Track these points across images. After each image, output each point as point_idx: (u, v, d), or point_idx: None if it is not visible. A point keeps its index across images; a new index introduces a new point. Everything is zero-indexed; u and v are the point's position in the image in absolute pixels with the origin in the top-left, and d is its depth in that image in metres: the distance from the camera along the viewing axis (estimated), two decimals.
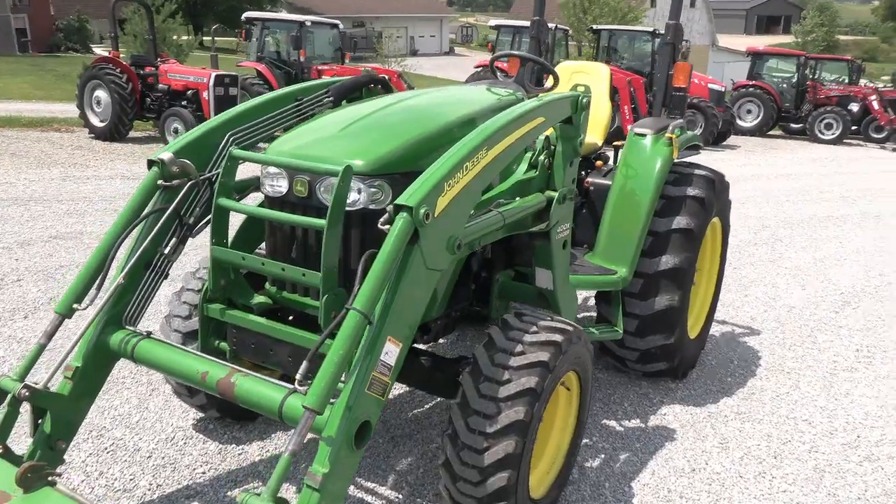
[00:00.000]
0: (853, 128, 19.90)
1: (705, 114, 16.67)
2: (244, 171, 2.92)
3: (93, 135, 12.60)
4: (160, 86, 12.58)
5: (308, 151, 2.71)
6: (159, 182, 2.83)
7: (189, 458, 3.33)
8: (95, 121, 12.56)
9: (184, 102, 12.23)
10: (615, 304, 3.98)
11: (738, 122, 19.77)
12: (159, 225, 2.81)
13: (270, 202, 2.82)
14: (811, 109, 20.25)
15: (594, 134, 4.46)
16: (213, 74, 12.16)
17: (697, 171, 4.25)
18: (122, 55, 12.90)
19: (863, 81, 22.68)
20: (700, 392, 4.41)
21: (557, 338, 2.71)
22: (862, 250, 8.38)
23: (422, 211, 2.27)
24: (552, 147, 3.35)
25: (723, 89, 18.27)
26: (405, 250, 2.31)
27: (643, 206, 3.91)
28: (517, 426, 2.52)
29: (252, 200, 3.02)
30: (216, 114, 11.83)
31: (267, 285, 2.92)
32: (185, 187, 2.86)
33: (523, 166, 3.33)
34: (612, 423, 3.96)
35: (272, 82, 14.00)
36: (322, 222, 2.49)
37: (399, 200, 2.29)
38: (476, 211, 2.84)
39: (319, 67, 13.95)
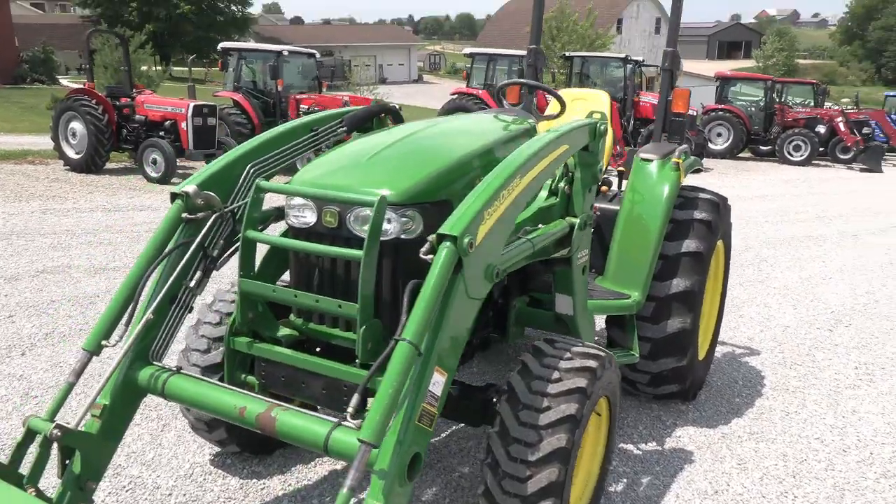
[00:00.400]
0: (820, 149, 20.42)
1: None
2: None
3: (68, 167, 12.40)
4: (137, 117, 12.47)
5: (337, 182, 2.69)
6: (184, 215, 2.78)
7: (211, 494, 3.24)
8: (71, 153, 12.36)
9: (161, 133, 12.13)
10: (630, 328, 3.99)
11: (710, 145, 20.16)
12: (184, 259, 2.77)
13: (296, 233, 2.78)
14: (780, 132, 20.74)
15: None
16: (192, 105, 12.09)
17: (702, 195, 4.31)
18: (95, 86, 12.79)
19: (826, 104, 23.32)
20: (711, 413, 4.42)
21: (592, 363, 2.71)
22: (844, 269, 8.55)
23: (466, 240, 2.26)
24: (570, 174, 3.37)
25: (694, 113, 18.64)
26: (449, 280, 2.29)
27: (654, 231, 3.95)
28: (559, 454, 2.50)
29: (272, 231, 2.99)
30: (195, 144, 12.12)
31: (292, 317, 2.88)
32: (211, 220, 2.82)
33: (543, 193, 3.35)
34: (630, 447, 3.95)
35: (249, 112, 13.95)
36: (359, 253, 2.47)
37: (442, 230, 2.28)
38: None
39: (297, 97, 13.93)
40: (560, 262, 3.34)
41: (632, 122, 18.26)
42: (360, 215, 2.59)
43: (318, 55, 15.05)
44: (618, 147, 15.41)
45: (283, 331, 2.85)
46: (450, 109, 17.16)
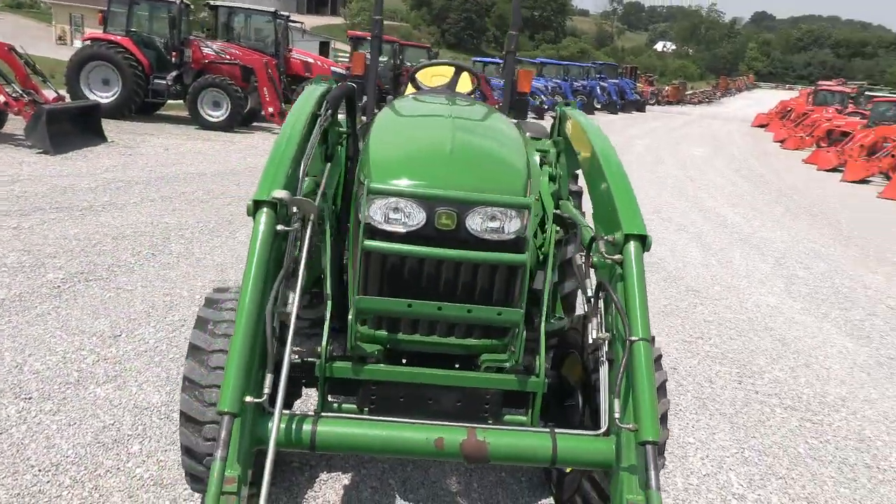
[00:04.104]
0: None
1: None
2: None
3: None
4: None
5: (457, 181, 2.51)
6: (279, 227, 2.31)
7: None
8: None
9: None
10: (552, 296, 4.40)
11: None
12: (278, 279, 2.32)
13: (387, 236, 2.50)
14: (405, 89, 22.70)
15: None
16: None
17: None
18: None
19: None
20: None
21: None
22: None
23: (650, 238, 2.41)
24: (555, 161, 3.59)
25: (346, 71, 19.30)
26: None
27: (550, 206, 4.37)
28: (665, 414, 2.83)
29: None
30: None
31: (369, 330, 2.61)
32: (309, 229, 2.39)
33: (545, 178, 3.51)
34: None
35: None
36: (523, 257, 2.41)
37: (629, 230, 2.39)
38: None
39: None
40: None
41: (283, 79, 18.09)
42: (482, 216, 2.48)
43: None
44: (282, 105, 15.24)
45: (371, 347, 2.59)
46: (85, 57, 14.85)
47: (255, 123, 16.93)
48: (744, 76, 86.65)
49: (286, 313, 2.34)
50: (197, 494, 3.07)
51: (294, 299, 2.36)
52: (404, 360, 2.69)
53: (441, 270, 2.52)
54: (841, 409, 4.72)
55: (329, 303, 2.61)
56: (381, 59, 23.39)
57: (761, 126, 34.45)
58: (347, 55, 24.50)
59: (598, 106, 34.22)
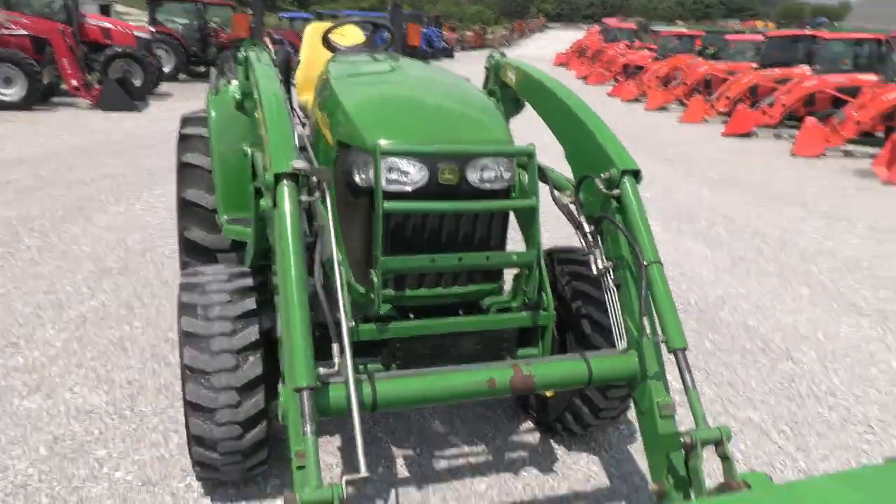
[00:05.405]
0: None
1: (143, 63, 16.03)
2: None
3: None
4: None
5: (451, 136, 2.56)
6: (303, 199, 2.24)
7: None
8: None
9: None
10: None
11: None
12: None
13: (391, 196, 2.50)
14: (217, 53, 21.44)
15: None
16: None
17: None
18: None
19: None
20: None
21: None
22: None
23: (641, 172, 2.62)
24: None
25: (150, 36, 17.86)
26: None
27: None
28: None
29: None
30: None
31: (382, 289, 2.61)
32: (329, 198, 2.33)
33: None
34: None
35: None
36: (534, 202, 2.55)
37: (626, 166, 2.56)
38: None
39: None
40: None
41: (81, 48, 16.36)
42: (481, 167, 2.56)
43: None
44: (85, 76, 14.04)
45: (384, 306, 2.60)
46: None
47: (55, 99, 15.24)
48: (536, 18, 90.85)
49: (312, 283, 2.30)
50: (196, 483, 2.95)
51: (337, 268, 2.31)
52: (411, 315, 2.74)
53: (443, 223, 2.59)
54: (724, 307, 5.39)
55: (342, 267, 2.58)
56: (183, 20, 21.97)
57: (561, 65, 36.51)
58: (145, 20, 22.52)
59: None
